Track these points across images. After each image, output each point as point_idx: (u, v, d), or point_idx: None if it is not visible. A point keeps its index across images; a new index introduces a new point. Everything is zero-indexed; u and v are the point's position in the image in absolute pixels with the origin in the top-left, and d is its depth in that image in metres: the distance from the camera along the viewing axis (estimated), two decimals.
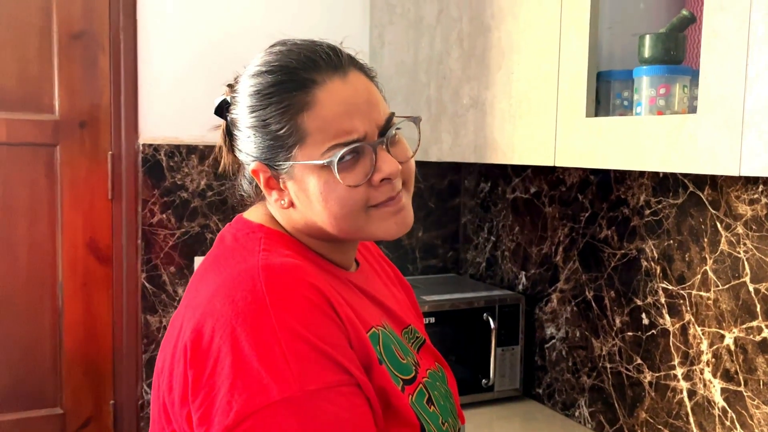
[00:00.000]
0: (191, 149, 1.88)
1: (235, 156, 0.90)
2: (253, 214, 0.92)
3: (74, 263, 1.82)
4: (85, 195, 1.82)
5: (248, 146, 0.86)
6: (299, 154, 0.83)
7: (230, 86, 0.90)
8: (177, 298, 1.89)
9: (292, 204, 0.86)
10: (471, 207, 2.18)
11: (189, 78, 1.89)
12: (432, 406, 0.87)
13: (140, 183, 1.84)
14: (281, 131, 0.83)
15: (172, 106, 1.87)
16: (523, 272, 1.95)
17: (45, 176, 1.79)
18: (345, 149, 0.81)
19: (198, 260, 1.90)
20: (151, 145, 1.85)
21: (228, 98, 0.90)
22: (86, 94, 1.80)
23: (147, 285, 1.86)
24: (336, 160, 0.81)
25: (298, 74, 0.82)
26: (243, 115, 0.86)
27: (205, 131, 1.88)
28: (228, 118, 0.89)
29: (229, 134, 0.90)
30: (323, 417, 0.74)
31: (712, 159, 1.02)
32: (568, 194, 1.78)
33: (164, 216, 1.87)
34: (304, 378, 0.73)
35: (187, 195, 1.89)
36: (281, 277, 0.78)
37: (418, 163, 2.32)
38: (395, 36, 1.94)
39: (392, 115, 0.86)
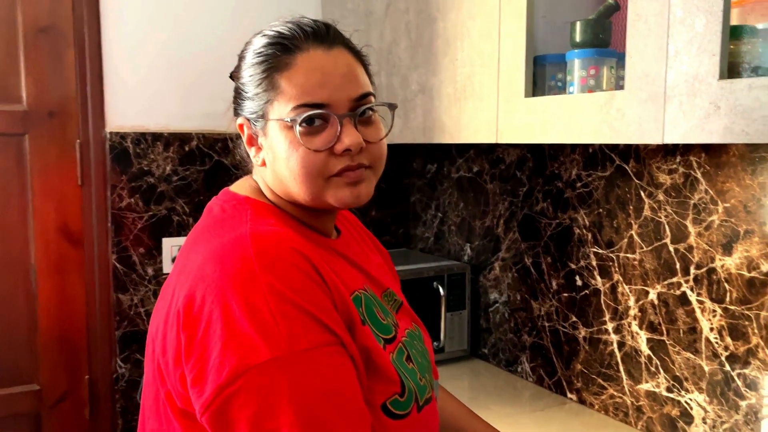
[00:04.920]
0: (157, 136, 1.85)
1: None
2: (238, 188, 0.92)
3: (47, 247, 1.77)
4: (55, 182, 1.77)
5: (240, 104, 0.88)
6: (271, 112, 0.83)
7: (240, 53, 0.90)
8: (147, 278, 1.86)
9: (264, 163, 0.86)
10: (419, 186, 2.20)
11: (153, 69, 1.85)
12: (411, 363, 0.88)
13: (108, 169, 1.80)
14: (259, 87, 0.84)
15: (138, 96, 1.84)
16: (468, 244, 1.99)
17: (15, 164, 1.73)
18: (310, 111, 0.81)
19: (166, 241, 1.87)
20: (118, 133, 1.81)
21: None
22: (54, 86, 1.75)
23: (118, 266, 1.83)
24: (299, 119, 0.81)
25: (288, 40, 0.83)
26: (241, 72, 0.88)
27: (170, 120, 1.87)
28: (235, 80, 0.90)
29: (234, 99, 0.90)
30: (310, 375, 0.73)
31: (638, 130, 1.06)
32: (508, 172, 1.82)
33: (132, 200, 1.84)
34: (293, 338, 0.73)
35: (153, 180, 1.85)
36: (269, 245, 0.77)
37: None
38: (346, 29, 1.93)
39: (368, 94, 0.86)
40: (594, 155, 1.56)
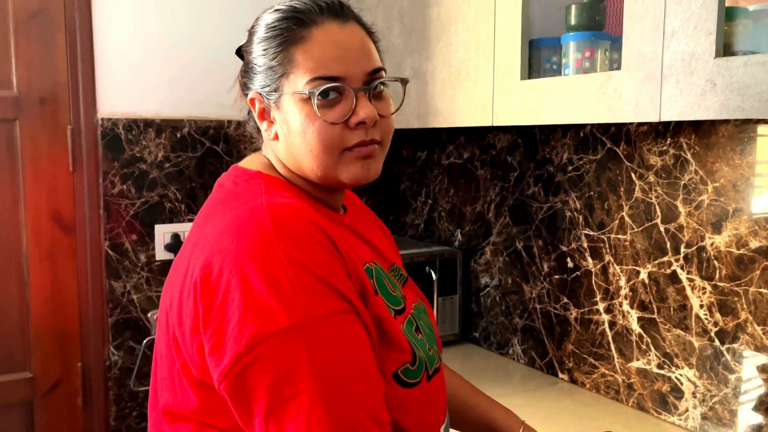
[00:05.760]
0: (148, 123, 1.85)
1: (245, 96, 0.91)
2: (249, 163, 0.92)
3: (39, 234, 1.76)
4: (47, 168, 1.76)
5: (251, 79, 0.88)
6: (286, 85, 0.84)
7: (250, 28, 0.90)
8: (139, 264, 1.86)
9: (277, 137, 0.87)
10: (409, 174, 2.22)
11: (145, 55, 1.84)
12: (420, 334, 0.89)
13: (100, 156, 1.79)
14: (274, 60, 0.84)
15: (130, 83, 1.83)
16: (459, 230, 2.01)
17: (6, 151, 1.72)
18: (327, 84, 0.82)
19: (158, 228, 1.87)
20: (109, 119, 1.80)
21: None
22: (45, 72, 1.74)
23: (110, 252, 1.82)
24: (317, 92, 0.82)
25: (303, 14, 0.84)
26: (252, 47, 0.87)
27: (162, 106, 1.86)
28: (243, 57, 0.90)
29: (244, 75, 0.90)
30: (328, 341, 0.74)
31: (635, 109, 1.09)
32: (498, 157, 1.84)
33: (124, 187, 1.83)
34: (311, 306, 0.74)
35: (145, 166, 1.85)
36: (286, 215, 0.78)
37: None
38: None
39: (381, 69, 0.87)
40: (585, 138, 1.58)
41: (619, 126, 1.48)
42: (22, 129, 1.72)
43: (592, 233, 1.58)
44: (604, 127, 1.53)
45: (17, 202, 1.73)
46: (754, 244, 1.26)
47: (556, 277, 1.68)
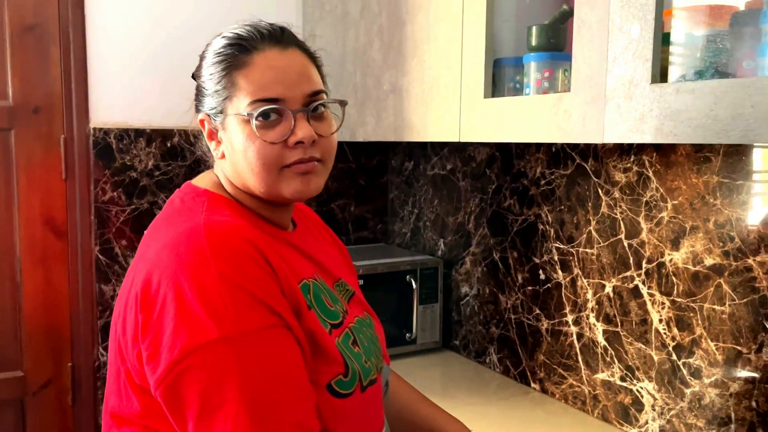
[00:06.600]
0: (139, 133, 1.91)
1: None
2: (199, 181, 0.98)
3: (32, 238, 1.83)
4: (40, 175, 1.83)
5: (200, 101, 0.94)
6: (230, 107, 0.89)
7: (201, 54, 0.96)
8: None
9: (224, 156, 0.92)
10: (397, 183, 2.26)
11: (136, 67, 1.90)
12: (357, 347, 0.93)
13: (92, 164, 1.86)
14: (219, 84, 0.90)
15: (121, 94, 1.89)
16: (442, 239, 2.04)
17: (1, 159, 1.79)
18: (266, 106, 0.87)
19: None
20: (101, 129, 1.86)
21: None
22: (39, 83, 1.81)
23: (101, 257, 1.88)
24: (255, 114, 0.87)
25: (245, 41, 0.90)
26: (201, 71, 0.94)
27: (152, 116, 1.92)
28: (196, 80, 0.96)
29: (195, 97, 0.96)
30: (256, 353, 0.79)
31: (582, 130, 1.12)
32: (478, 169, 1.88)
33: (115, 194, 1.89)
34: (240, 320, 0.79)
35: (136, 175, 1.91)
36: (220, 234, 0.83)
37: (351, 144, 2.38)
38: (325, 30, 1.99)
39: (321, 91, 0.92)
40: (557, 154, 1.61)
41: (588, 143, 1.51)
42: (17, 138, 1.79)
43: (562, 246, 1.61)
44: (574, 143, 1.56)
45: (11, 208, 1.80)
46: (708, 261, 1.28)
47: (530, 288, 1.71)
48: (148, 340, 0.80)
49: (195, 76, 0.96)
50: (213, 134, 0.93)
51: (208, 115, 0.93)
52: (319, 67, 0.95)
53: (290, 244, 0.95)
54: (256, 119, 0.87)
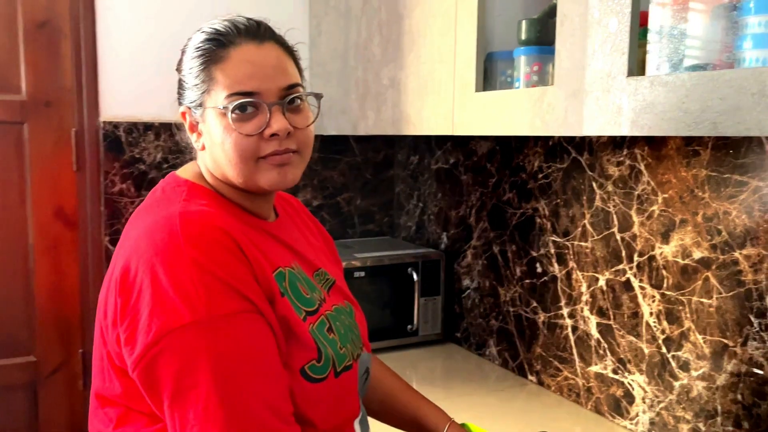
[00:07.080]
0: (148, 126, 1.95)
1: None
2: (183, 172, 1.01)
3: (44, 229, 1.89)
4: (52, 167, 1.88)
5: (182, 95, 0.96)
6: (208, 100, 0.92)
7: (183, 48, 0.99)
8: None
9: (204, 147, 0.95)
10: (403, 177, 2.28)
11: (146, 62, 1.95)
12: (332, 334, 0.96)
13: (102, 156, 1.91)
14: (198, 78, 0.92)
15: (131, 88, 1.94)
16: (445, 233, 2.06)
17: (14, 151, 1.85)
18: (242, 99, 0.89)
19: None
20: (111, 122, 1.91)
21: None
22: (51, 77, 1.86)
23: (110, 247, 1.94)
24: (231, 107, 0.89)
25: (223, 36, 0.92)
26: (182, 65, 0.96)
27: (161, 110, 1.97)
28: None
29: (178, 91, 0.99)
30: (227, 337, 0.82)
31: (564, 123, 1.13)
32: (479, 163, 1.89)
33: (124, 186, 1.94)
34: (212, 305, 0.82)
35: (144, 167, 1.96)
36: (194, 222, 0.86)
37: (357, 138, 2.40)
38: (329, 26, 2.02)
39: (297, 84, 0.94)
40: (554, 147, 1.62)
41: (583, 136, 1.51)
42: (30, 131, 1.85)
43: (558, 240, 1.61)
44: (570, 137, 1.56)
45: (24, 199, 1.86)
46: (697, 254, 1.28)
47: (527, 281, 1.72)
48: (126, 323, 0.83)
49: (177, 70, 0.99)
50: (194, 126, 0.96)
51: (189, 108, 0.95)
52: (296, 61, 0.97)
53: (268, 233, 0.98)
54: (233, 112, 0.90)
